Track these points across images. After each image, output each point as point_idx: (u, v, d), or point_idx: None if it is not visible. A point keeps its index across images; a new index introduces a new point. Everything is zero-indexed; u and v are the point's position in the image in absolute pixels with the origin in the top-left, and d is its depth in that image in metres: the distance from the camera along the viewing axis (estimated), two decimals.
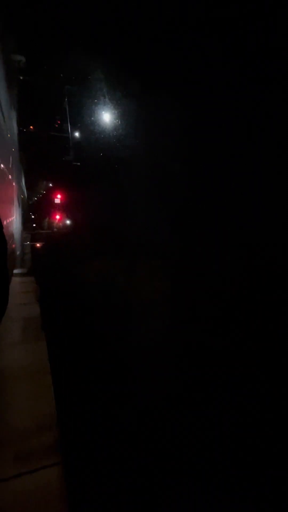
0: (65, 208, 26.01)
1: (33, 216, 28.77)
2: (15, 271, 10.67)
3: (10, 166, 9.67)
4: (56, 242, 22.05)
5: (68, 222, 26.22)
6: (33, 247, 20.59)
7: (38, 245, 22.57)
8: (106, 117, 19.81)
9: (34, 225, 27.40)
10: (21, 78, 14.69)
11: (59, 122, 19.17)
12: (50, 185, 26.45)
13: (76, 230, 24.51)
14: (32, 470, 2.25)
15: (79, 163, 20.25)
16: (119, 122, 20.52)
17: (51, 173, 25.13)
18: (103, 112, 19.43)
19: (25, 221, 24.04)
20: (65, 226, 25.70)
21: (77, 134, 20.22)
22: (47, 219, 26.72)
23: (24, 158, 24.01)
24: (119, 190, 22.87)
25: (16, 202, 13.94)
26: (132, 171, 21.61)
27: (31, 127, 22.18)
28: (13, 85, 13.02)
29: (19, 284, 8.45)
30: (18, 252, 13.92)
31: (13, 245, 10.26)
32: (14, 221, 10.89)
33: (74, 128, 19.33)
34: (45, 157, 22.48)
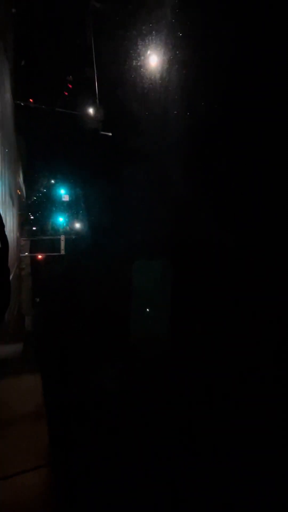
0: (76, 207, 21.19)
1: (32, 217, 23.84)
2: None
3: None
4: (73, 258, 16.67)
5: (78, 225, 21.24)
6: (34, 263, 15.60)
7: (40, 257, 17.50)
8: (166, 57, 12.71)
9: (34, 228, 22.47)
10: (13, 10, 9.76)
11: (70, 86, 14.05)
12: (53, 180, 21.60)
13: (101, 237, 19.31)
14: None
15: (110, 134, 14.90)
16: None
17: (59, 161, 20.28)
18: (159, 48, 13.00)
19: (23, 223, 18.89)
20: (77, 230, 20.75)
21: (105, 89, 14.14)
22: (50, 222, 21.89)
23: (22, 143, 18.56)
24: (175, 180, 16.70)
25: (7, 199, 9.10)
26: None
27: (30, 100, 16.95)
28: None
29: None
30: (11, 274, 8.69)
31: None
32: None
33: (104, 76, 13.23)
34: (53, 138, 17.61)
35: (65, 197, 20.37)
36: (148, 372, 10.52)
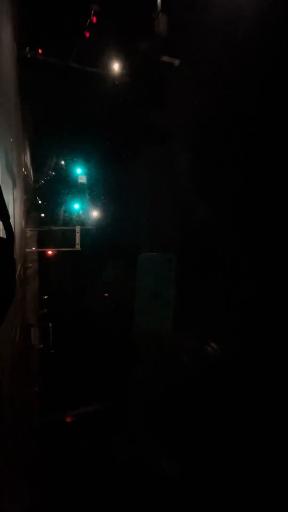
0: (95, 191, 17.41)
1: (40, 202, 20.31)
2: None
3: None
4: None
5: (98, 214, 17.56)
6: (42, 261, 12.76)
7: (50, 253, 14.42)
8: None
9: (42, 215, 19.06)
10: None
11: (94, 20, 10.25)
12: (67, 157, 17.81)
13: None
14: None
15: (177, 63, 10.95)
16: None
17: (75, 134, 16.41)
18: None
19: (29, 210, 15.58)
20: (95, 220, 17.10)
21: None
22: (62, 209, 18.29)
23: (28, 113, 15.09)
24: None
25: (6, 177, 6.66)
26: None
27: (39, 50, 13.47)
28: None
29: None
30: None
31: None
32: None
33: None
34: (67, 103, 13.93)
35: (82, 179, 16.77)
36: None
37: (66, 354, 14.82)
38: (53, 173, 19.19)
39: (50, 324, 14.58)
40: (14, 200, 8.80)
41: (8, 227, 1.79)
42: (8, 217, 1.81)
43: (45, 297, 17.15)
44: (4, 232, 1.85)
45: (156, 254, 16.37)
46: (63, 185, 17.99)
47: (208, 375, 12.42)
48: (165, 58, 12.07)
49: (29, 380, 13.04)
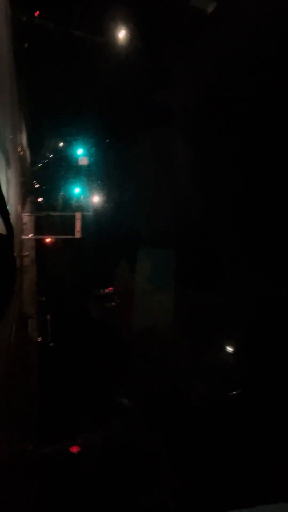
0: (97, 174, 15.85)
1: (37, 186, 18.89)
2: None
3: None
4: None
5: (100, 198, 16.17)
6: (40, 249, 12.03)
7: (48, 241, 13.53)
8: None
9: (40, 200, 17.71)
10: None
11: None
12: (67, 137, 16.17)
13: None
14: None
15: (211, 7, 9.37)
16: None
17: (76, 110, 14.86)
18: None
19: (25, 194, 14.48)
20: (98, 205, 15.75)
21: None
22: (61, 194, 16.91)
23: (22, 84, 13.89)
24: None
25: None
26: None
27: (36, 13, 12.25)
28: None
29: None
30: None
31: None
32: None
33: None
34: (67, 75, 12.55)
35: (83, 160, 15.51)
36: None
37: (66, 347, 14.19)
38: (52, 154, 17.81)
39: (49, 316, 13.86)
40: (8, 181, 7.85)
41: (8, 224, 1.75)
42: (8, 214, 1.77)
43: (43, 285, 16.44)
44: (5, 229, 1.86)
45: (156, 249, 16.11)
46: (63, 167, 16.65)
47: (208, 374, 12.29)
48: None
49: (27, 376, 12.44)
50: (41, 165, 17.66)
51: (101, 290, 16.12)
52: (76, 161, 15.43)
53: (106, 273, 16.04)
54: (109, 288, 16.13)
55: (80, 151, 15.47)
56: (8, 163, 7.62)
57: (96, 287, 16.12)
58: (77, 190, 16.20)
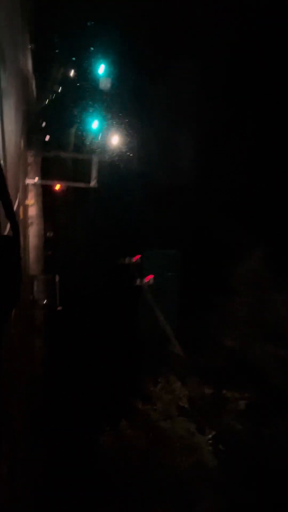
0: (124, 102, 11.79)
1: (45, 123, 15.24)
2: None
3: None
4: None
5: (124, 138, 12.40)
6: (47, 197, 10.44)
7: (58, 188, 11.40)
8: None
9: (47, 139, 14.17)
10: None
11: None
12: (85, 53, 12.05)
13: None
14: None
15: None
16: None
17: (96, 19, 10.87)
18: None
19: (30, 130, 11.71)
20: (121, 147, 12.15)
21: None
22: (75, 128, 13.42)
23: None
24: None
25: None
26: None
27: None
28: None
29: None
30: None
31: None
32: None
33: None
34: None
35: (105, 82, 11.62)
36: None
37: (75, 311, 12.90)
38: (64, 75, 14.09)
39: (57, 277, 12.17)
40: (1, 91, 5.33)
41: (14, 226, 1.54)
42: (15, 215, 1.57)
43: (51, 234, 14.82)
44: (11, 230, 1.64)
45: (161, 251, 16.98)
46: (77, 92, 12.77)
47: (209, 372, 12.50)
48: None
49: (32, 342, 11.41)
50: (50, 90, 14.13)
51: (126, 259, 14.56)
52: (97, 83, 11.67)
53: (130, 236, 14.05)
54: (137, 256, 14.39)
55: (101, 69, 11.63)
56: (3, 62, 5.08)
57: (117, 253, 14.44)
58: (95, 124, 12.55)
